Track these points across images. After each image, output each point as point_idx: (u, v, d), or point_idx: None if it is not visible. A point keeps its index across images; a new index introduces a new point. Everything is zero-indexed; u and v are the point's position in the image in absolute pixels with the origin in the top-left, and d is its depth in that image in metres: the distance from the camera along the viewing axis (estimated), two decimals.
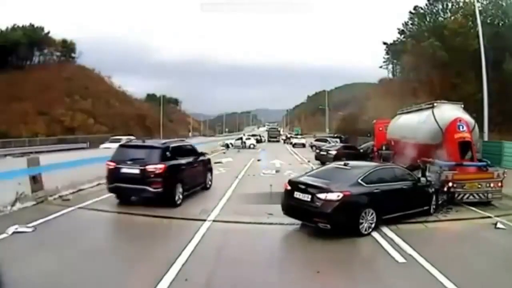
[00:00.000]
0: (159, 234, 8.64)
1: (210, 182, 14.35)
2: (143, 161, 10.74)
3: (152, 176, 10.52)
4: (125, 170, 10.76)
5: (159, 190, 10.52)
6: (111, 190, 11.21)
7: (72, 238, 7.90)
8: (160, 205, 10.41)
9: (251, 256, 7.14)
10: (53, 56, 74.20)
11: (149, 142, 12.52)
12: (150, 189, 10.50)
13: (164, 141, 13.34)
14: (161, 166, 10.68)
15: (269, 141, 70.53)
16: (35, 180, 11.31)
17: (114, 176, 10.94)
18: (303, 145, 51.18)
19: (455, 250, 7.78)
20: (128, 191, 11.00)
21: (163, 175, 10.61)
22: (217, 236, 8.27)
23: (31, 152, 32.62)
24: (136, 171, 10.61)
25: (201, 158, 13.79)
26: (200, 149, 15.07)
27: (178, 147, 12.37)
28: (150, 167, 10.57)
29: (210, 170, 14.76)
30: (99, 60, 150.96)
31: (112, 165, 11.05)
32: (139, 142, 12.55)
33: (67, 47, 74.42)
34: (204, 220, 9.40)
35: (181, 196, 11.35)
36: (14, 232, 7.84)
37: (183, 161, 12.04)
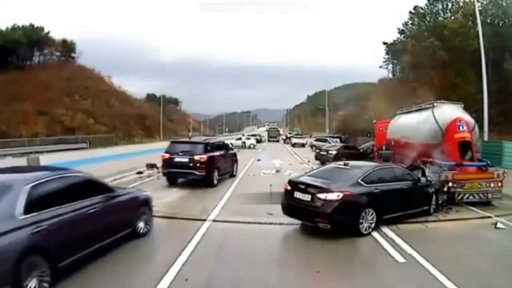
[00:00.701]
0: (159, 233, 8.62)
1: (236, 170, 18.44)
2: (191, 153, 14.59)
3: (198, 164, 14.26)
4: (177, 159, 14.65)
5: (202, 174, 14.28)
6: (165, 174, 15.36)
7: None
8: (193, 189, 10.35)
9: (251, 256, 7.13)
10: (53, 56, 74.11)
11: (194, 139, 18.98)
12: (197, 173, 14.27)
13: (204, 138, 19.88)
14: (205, 156, 14.49)
15: (269, 140, 70.66)
16: None
17: (168, 164, 14.92)
18: (303, 145, 52.00)
19: (455, 250, 7.77)
20: (179, 174, 15.02)
21: (206, 163, 14.43)
22: (217, 236, 8.27)
23: (31, 152, 32.74)
24: (186, 160, 14.46)
25: (230, 152, 18.48)
26: None
27: (215, 143, 16.63)
28: (196, 157, 14.33)
29: (236, 161, 18.88)
30: (99, 60, 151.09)
31: (167, 156, 15.05)
32: (186, 139, 19.10)
33: (67, 47, 74.33)
34: (204, 220, 9.41)
35: (217, 179, 15.15)
36: None
37: (218, 153, 15.97)
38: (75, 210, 5.83)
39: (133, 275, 6.08)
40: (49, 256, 5.10)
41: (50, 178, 5.81)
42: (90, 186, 6.60)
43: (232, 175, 17.64)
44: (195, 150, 14.80)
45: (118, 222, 6.98)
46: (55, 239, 5.23)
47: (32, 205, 5.08)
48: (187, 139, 18.38)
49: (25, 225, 4.85)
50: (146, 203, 8.14)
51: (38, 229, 4.99)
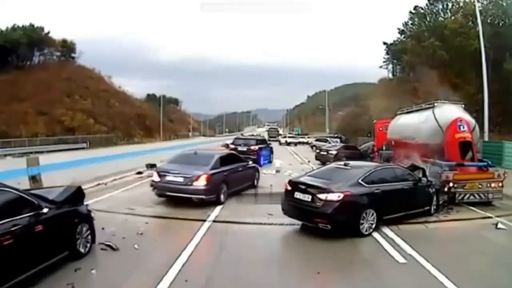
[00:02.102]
0: (158, 234, 8.61)
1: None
2: (250, 143, 25.05)
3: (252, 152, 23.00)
4: (240, 149, 23.03)
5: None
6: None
7: None
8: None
9: (251, 256, 7.10)
10: (53, 56, 74.01)
11: (254, 137, 29.00)
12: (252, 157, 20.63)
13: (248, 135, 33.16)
14: (256, 146, 24.61)
15: (269, 140, 70.67)
16: (34, 180, 11.28)
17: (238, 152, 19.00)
18: (295, 144, 54.91)
19: (456, 250, 7.74)
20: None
21: (257, 151, 23.53)
22: (217, 237, 8.25)
23: (31, 152, 32.66)
24: (244, 149, 23.58)
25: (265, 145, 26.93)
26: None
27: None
28: (253, 148, 24.20)
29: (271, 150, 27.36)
30: (99, 60, 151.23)
31: (233, 146, 24.65)
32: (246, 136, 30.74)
33: (67, 47, 74.22)
34: (204, 221, 9.37)
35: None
36: None
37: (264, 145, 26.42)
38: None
39: (132, 276, 6.05)
40: None
41: None
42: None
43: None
44: (252, 143, 25.02)
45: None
46: None
47: None
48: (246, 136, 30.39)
49: None
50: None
51: None
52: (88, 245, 6.88)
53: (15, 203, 5.40)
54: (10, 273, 4.87)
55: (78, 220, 6.76)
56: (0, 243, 4.71)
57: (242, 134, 63.47)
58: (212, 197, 11.09)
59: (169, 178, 11.14)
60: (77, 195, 7.08)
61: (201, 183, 10.83)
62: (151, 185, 11.85)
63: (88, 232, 6.95)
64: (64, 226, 6.32)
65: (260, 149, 24.31)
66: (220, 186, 11.44)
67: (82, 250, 6.66)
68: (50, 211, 5.88)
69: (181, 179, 10.99)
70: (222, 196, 11.50)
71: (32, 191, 6.43)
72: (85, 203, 7.36)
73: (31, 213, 5.50)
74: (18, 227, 5.12)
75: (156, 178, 11.55)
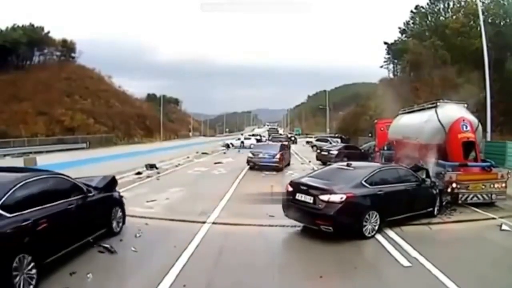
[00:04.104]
0: (157, 236, 8.45)
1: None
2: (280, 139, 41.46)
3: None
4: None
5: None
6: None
7: None
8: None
9: (251, 259, 6.95)
10: (53, 56, 73.93)
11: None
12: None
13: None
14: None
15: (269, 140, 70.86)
16: None
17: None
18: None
19: (460, 252, 7.60)
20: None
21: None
22: (217, 239, 8.08)
23: (30, 152, 32.60)
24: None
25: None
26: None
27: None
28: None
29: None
30: (100, 60, 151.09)
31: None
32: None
33: (67, 47, 74.12)
34: (204, 222, 9.22)
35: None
36: None
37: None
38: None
39: (129, 281, 5.91)
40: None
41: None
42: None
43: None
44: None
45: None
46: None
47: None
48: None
49: None
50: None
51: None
52: (120, 225, 8.26)
53: (70, 188, 6.81)
54: (68, 241, 6.30)
55: (113, 203, 8.17)
56: (60, 217, 6.13)
57: (242, 134, 64.13)
58: (284, 165, 21.93)
59: (260, 155, 21.39)
60: (112, 183, 8.44)
61: (277, 158, 20.95)
62: (248, 161, 21.72)
63: (120, 214, 8.33)
64: (103, 208, 7.73)
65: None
66: (283, 157, 22.11)
67: (116, 229, 8.05)
68: (94, 195, 7.30)
69: (267, 156, 21.07)
70: (284, 163, 22.14)
71: (79, 179, 7.43)
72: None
73: (81, 196, 6.88)
74: (72, 206, 6.51)
75: (250, 156, 21.82)
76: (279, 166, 20.55)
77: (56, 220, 5.94)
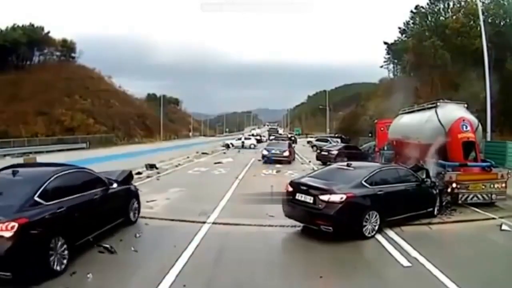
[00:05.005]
0: (157, 236, 8.45)
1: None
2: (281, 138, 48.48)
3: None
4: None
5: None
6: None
7: None
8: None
9: (251, 259, 6.93)
10: (53, 56, 74.09)
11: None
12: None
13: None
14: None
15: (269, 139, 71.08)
16: None
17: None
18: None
19: (461, 253, 7.59)
20: None
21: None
22: (217, 239, 8.07)
23: (30, 152, 32.63)
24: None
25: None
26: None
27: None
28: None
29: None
30: (100, 60, 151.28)
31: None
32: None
33: (67, 47, 74.28)
34: (204, 222, 9.21)
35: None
36: None
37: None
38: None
39: (129, 281, 5.91)
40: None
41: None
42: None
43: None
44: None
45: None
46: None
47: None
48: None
49: None
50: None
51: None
52: (136, 215, 9.11)
53: (95, 181, 7.68)
54: (93, 227, 7.10)
55: (130, 195, 9.04)
56: (87, 205, 6.93)
57: (243, 134, 64.41)
58: (291, 159, 27.45)
59: (273, 151, 26.80)
60: (129, 177, 9.51)
61: (287, 153, 26.51)
62: (263, 156, 27.17)
63: (136, 205, 9.17)
64: (122, 199, 8.58)
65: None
66: (291, 153, 28.06)
67: (132, 218, 8.90)
68: (115, 187, 8.14)
69: (278, 151, 26.61)
70: (292, 157, 28.11)
71: (101, 173, 8.29)
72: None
73: (104, 188, 7.70)
74: (97, 196, 7.38)
75: (265, 152, 27.15)
76: (289, 159, 26.54)
77: (84, 208, 6.82)
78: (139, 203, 9.32)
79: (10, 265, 5.24)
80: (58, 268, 5.83)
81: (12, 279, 5.28)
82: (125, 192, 8.74)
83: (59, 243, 5.93)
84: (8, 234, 5.22)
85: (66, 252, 6.05)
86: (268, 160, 26.05)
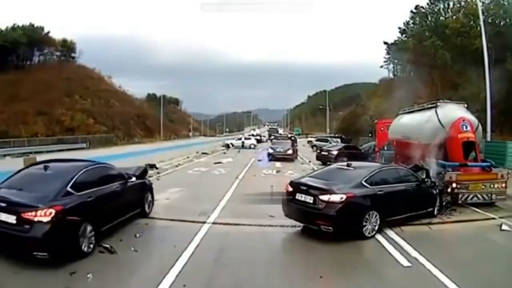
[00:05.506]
0: (157, 236, 8.46)
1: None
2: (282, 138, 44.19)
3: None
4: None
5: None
6: None
7: None
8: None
9: (251, 259, 6.94)
10: (53, 56, 74.04)
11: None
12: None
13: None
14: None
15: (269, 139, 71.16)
16: None
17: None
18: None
19: (461, 253, 7.60)
20: None
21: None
22: (217, 239, 8.07)
23: (30, 153, 32.55)
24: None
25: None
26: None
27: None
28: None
29: None
30: (100, 60, 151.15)
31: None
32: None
33: (67, 47, 74.23)
34: (204, 222, 9.20)
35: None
36: None
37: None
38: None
39: (129, 281, 5.91)
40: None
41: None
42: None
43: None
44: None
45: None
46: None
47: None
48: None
49: None
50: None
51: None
52: (150, 207, 9.93)
53: (116, 175, 8.55)
54: (115, 216, 8.01)
55: (146, 189, 9.86)
56: (110, 196, 7.83)
57: (243, 134, 64.53)
58: (294, 157, 29.47)
59: (278, 150, 29.14)
60: (144, 172, 10.31)
61: (290, 151, 29.04)
62: (268, 154, 28.95)
63: (150, 198, 9.99)
64: (139, 192, 9.40)
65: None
66: (294, 150, 30.37)
67: (147, 210, 9.68)
68: (133, 181, 9.01)
69: (282, 150, 28.92)
70: (295, 155, 29.94)
71: (120, 168, 9.08)
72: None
73: (124, 181, 8.56)
74: (118, 188, 8.26)
75: (270, 150, 29.31)
76: (292, 157, 28.88)
77: (107, 198, 7.70)
78: (152, 196, 10.13)
79: (47, 246, 6.00)
80: (86, 249, 6.65)
81: (48, 258, 6.04)
82: (141, 186, 9.56)
83: (88, 228, 6.74)
84: (46, 219, 6.00)
85: (93, 236, 6.86)
86: (273, 158, 27.97)
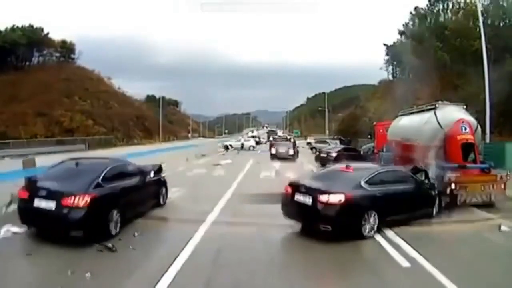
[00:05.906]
0: (155, 236, 8.45)
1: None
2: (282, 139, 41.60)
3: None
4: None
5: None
6: None
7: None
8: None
9: (250, 260, 6.92)
10: (53, 57, 74.03)
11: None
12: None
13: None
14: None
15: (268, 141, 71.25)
16: None
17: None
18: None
19: (460, 253, 7.58)
20: None
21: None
22: (216, 238, 8.06)
23: (29, 154, 32.45)
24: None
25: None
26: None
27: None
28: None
29: None
30: (99, 61, 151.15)
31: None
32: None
33: (66, 48, 74.26)
34: (203, 222, 9.18)
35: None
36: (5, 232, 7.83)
37: None
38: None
39: (127, 280, 5.90)
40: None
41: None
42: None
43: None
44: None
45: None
46: None
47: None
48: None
49: None
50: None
51: None
52: (165, 200, 11.15)
53: (137, 171, 9.70)
54: (137, 206, 9.33)
55: (161, 184, 11.10)
56: (133, 188, 9.14)
57: (242, 136, 64.64)
58: (296, 156, 31.50)
59: (279, 150, 30.96)
60: (160, 169, 11.29)
61: (291, 152, 31.00)
62: (271, 154, 30.81)
63: (164, 192, 11.19)
64: (156, 186, 10.66)
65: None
66: (295, 151, 31.91)
67: (161, 202, 10.92)
68: (151, 177, 10.20)
69: (284, 151, 30.82)
70: (296, 156, 31.60)
71: (139, 165, 10.22)
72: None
73: (144, 177, 9.76)
74: (139, 182, 9.48)
75: (273, 151, 31.15)
76: (293, 157, 30.51)
77: (131, 190, 8.96)
78: (166, 190, 11.33)
79: (82, 226, 7.19)
80: (113, 232, 7.77)
81: (82, 236, 7.18)
82: (157, 181, 10.75)
83: (115, 214, 7.89)
84: (82, 203, 7.20)
85: (119, 222, 8.00)
86: (276, 157, 30.05)
